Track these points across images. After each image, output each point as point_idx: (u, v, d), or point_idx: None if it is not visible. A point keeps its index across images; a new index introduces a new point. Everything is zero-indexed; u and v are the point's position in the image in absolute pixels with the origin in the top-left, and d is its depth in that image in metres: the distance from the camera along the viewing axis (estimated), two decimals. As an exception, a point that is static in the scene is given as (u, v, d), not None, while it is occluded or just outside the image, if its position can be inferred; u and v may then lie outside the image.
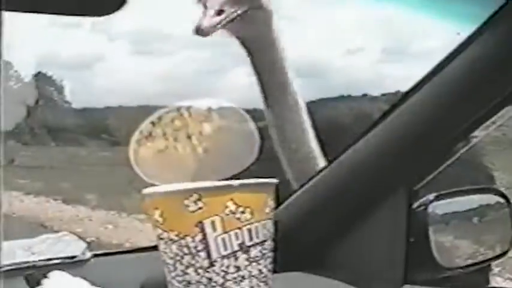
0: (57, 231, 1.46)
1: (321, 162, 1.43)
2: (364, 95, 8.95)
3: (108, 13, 0.47)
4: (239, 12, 1.27)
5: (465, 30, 1.09)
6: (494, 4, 1.02)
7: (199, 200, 0.98)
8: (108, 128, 10.12)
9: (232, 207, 0.99)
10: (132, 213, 7.33)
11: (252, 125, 1.19)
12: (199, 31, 1.22)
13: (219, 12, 1.24)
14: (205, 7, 1.25)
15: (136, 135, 1.18)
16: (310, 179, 1.26)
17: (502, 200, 1.34)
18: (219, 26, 1.24)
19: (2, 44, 0.49)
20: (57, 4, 0.43)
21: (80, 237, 1.39)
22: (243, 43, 1.36)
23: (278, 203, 1.16)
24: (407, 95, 1.13)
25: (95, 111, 11.05)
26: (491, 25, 1.04)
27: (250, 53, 1.36)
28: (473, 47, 1.06)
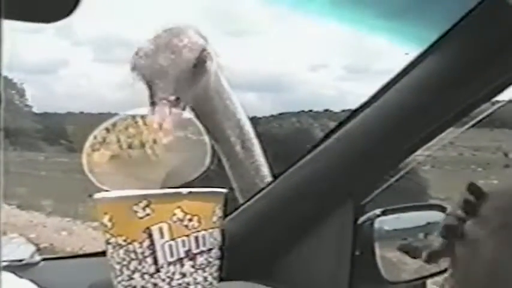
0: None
1: (268, 177, 1.44)
2: (326, 111, 9.02)
3: (57, 19, 0.48)
4: (193, 92, 1.26)
5: (414, 51, 1.12)
6: (441, 28, 1.06)
7: (147, 206, 1.00)
8: (68, 134, 10.01)
9: (180, 214, 1.00)
10: (86, 221, 7.25)
11: (205, 135, 1.20)
12: (163, 132, 1.17)
13: (177, 99, 1.21)
14: (154, 102, 1.21)
15: (90, 141, 1.18)
16: (259, 191, 1.28)
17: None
18: (179, 115, 1.21)
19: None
20: (6, 10, 0.44)
21: (33, 243, 1.39)
22: (193, 110, 1.34)
23: (226, 213, 1.18)
24: (355, 112, 1.16)
25: (56, 116, 10.92)
26: (438, 47, 1.08)
27: (199, 117, 1.34)
28: (420, 67, 1.10)
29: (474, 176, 9.66)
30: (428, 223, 1.39)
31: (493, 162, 10.16)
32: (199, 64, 1.27)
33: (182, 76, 1.23)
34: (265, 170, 1.43)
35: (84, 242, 6.70)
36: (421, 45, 1.12)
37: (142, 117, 1.19)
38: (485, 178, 9.68)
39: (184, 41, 1.26)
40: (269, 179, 1.42)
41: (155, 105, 1.20)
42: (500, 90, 1.10)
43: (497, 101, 1.22)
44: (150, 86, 1.24)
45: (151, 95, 1.22)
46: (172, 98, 1.20)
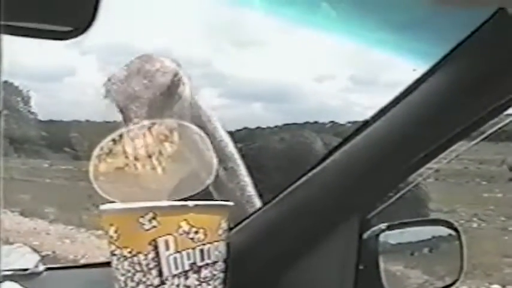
0: (12, 244, 1.46)
1: (255, 196, 1.44)
2: (331, 122, 9.02)
3: (76, 35, 0.49)
4: (167, 116, 1.25)
5: (422, 67, 1.12)
6: (449, 44, 1.06)
7: (154, 218, 1.00)
8: (72, 142, 10.01)
9: (186, 227, 1.01)
10: (90, 229, 7.26)
11: (211, 148, 1.20)
12: (138, 157, 1.17)
13: (152, 125, 1.20)
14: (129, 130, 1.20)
15: (97, 151, 1.19)
16: (265, 204, 1.28)
17: (453, 232, 1.37)
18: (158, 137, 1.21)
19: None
20: (25, 29, 0.45)
21: (36, 251, 1.39)
22: None
23: (232, 226, 1.18)
24: (361, 126, 1.16)
25: (61, 123, 10.93)
26: (447, 62, 1.08)
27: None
28: (428, 82, 1.10)
29: (478, 189, 9.65)
30: (433, 237, 1.39)
31: (497, 175, 10.14)
32: (172, 88, 1.28)
33: (155, 100, 1.24)
34: (251, 190, 1.43)
35: (87, 250, 6.71)
36: (428, 60, 1.12)
37: (149, 128, 1.19)
38: (490, 191, 9.68)
39: (156, 66, 1.27)
40: (256, 198, 1.42)
41: (130, 132, 1.20)
42: (510, 105, 1.10)
43: (508, 115, 1.22)
44: (123, 112, 1.25)
45: (125, 120, 1.23)
46: (147, 122, 1.21)
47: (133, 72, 1.26)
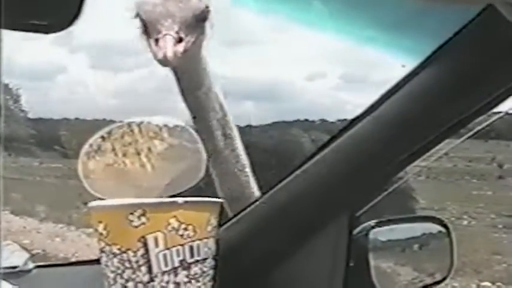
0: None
1: (247, 167, 1.45)
2: (322, 120, 9.02)
3: (60, 29, 0.49)
4: (193, 40, 1.26)
5: (410, 63, 1.13)
6: (437, 41, 1.06)
7: (143, 215, 1.00)
8: (62, 140, 9.98)
9: (175, 224, 1.00)
10: (80, 227, 7.24)
11: (200, 145, 1.20)
12: (167, 61, 1.18)
13: (179, 39, 1.22)
14: (156, 39, 1.22)
15: (85, 148, 1.18)
16: (254, 202, 1.28)
17: (443, 229, 1.38)
18: (182, 54, 1.22)
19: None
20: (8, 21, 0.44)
21: (26, 249, 1.38)
22: (178, 75, 1.36)
23: (221, 222, 1.18)
24: (350, 123, 1.16)
25: (50, 122, 10.89)
26: (435, 59, 1.08)
27: (177, 76, 1.36)
28: (417, 80, 1.10)
29: (468, 187, 9.69)
30: (424, 234, 1.40)
31: (487, 173, 10.18)
32: (204, 14, 1.30)
33: (187, 20, 1.25)
34: (245, 161, 1.44)
35: (78, 248, 6.69)
36: (418, 58, 1.12)
37: (138, 125, 1.19)
38: (479, 189, 9.71)
39: None
40: (248, 169, 1.44)
41: (158, 41, 1.21)
42: (497, 103, 1.10)
43: (496, 112, 1.22)
44: (154, 26, 1.25)
45: (155, 33, 1.24)
46: (176, 35, 1.22)
47: None
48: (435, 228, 1.39)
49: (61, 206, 8.11)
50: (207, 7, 1.30)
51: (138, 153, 1.18)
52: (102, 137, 1.18)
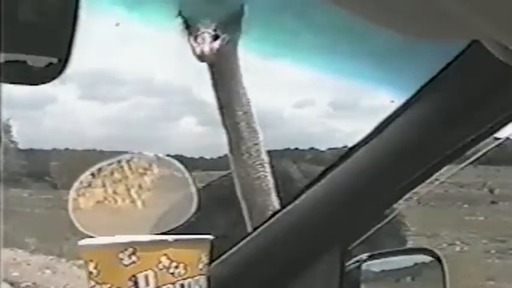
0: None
1: (266, 163, 1.47)
2: (312, 149, 9.05)
3: (44, 82, 0.49)
4: (229, 38, 1.31)
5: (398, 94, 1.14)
6: (426, 77, 1.07)
7: (133, 254, 0.99)
8: (53, 170, 9.96)
9: (166, 262, 1.00)
10: (71, 259, 7.18)
11: (190, 181, 1.20)
12: (204, 57, 1.27)
13: (215, 37, 1.28)
14: (196, 36, 1.28)
15: (76, 185, 1.18)
16: (246, 236, 1.27)
17: (435, 260, 1.38)
18: (218, 51, 1.28)
19: None
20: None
21: (16, 282, 1.37)
22: (213, 69, 1.40)
23: (212, 258, 1.17)
24: (342, 157, 1.16)
25: (41, 152, 10.88)
26: (427, 91, 1.09)
27: (212, 70, 1.41)
28: (409, 112, 1.10)
29: (460, 213, 9.71)
30: (416, 264, 1.39)
31: (478, 198, 10.21)
32: (237, 15, 1.34)
33: (224, 19, 1.31)
34: (264, 156, 1.45)
35: (68, 280, 6.63)
36: (405, 91, 1.13)
37: (128, 161, 1.19)
38: (471, 215, 9.73)
39: None
40: (267, 166, 1.44)
41: (197, 38, 1.27)
42: (493, 131, 1.11)
43: (496, 138, 1.24)
44: (194, 24, 1.30)
45: (194, 30, 1.29)
46: (213, 33, 1.28)
47: None
48: (427, 259, 1.39)
49: (51, 238, 8.06)
50: (242, 6, 1.34)
51: (129, 190, 1.17)
52: (92, 174, 1.17)
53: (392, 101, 1.15)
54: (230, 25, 1.32)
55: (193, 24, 1.30)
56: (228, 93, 1.41)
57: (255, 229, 1.28)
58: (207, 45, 1.26)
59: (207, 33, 1.28)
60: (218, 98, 1.41)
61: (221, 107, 1.41)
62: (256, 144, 1.44)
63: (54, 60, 0.49)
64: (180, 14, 1.33)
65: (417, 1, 0.52)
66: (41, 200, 10.03)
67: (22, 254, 7.84)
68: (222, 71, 1.39)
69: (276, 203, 1.41)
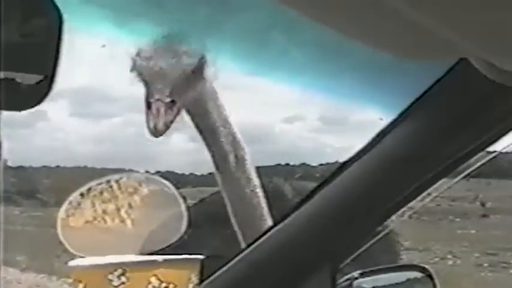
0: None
1: (258, 187, 1.45)
2: (303, 164, 9.03)
3: (27, 108, 0.49)
4: (189, 97, 1.28)
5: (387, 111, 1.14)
6: (414, 94, 1.08)
7: (123, 274, 0.98)
8: (43, 188, 9.92)
9: (156, 282, 0.99)
10: (62, 277, 7.13)
11: (180, 200, 1.20)
12: (156, 132, 1.20)
13: (172, 102, 1.23)
14: (149, 103, 1.23)
15: (65, 206, 1.17)
16: (236, 255, 1.26)
17: (426, 277, 1.38)
18: (174, 119, 1.24)
19: None
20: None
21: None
22: (188, 111, 1.37)
23: (203, 277, 1.17)
24: (333, 174, 1.16)
25: (31, 170, 10.84)
26: (413, 111, 1.09)
27: (193, 118, 1.38)
28: (397, 131, 1.11)
29: (452, 226, 9.70)
30: (408, 280, 1.39)
31: (470, 212, 10.22)
32: (197, 70, 1.30)
33: (180, 80, 1.26)
34: (255, 181, 1.44)
35: (60, 299, 6.58)
36: (394, 109, 1.13)
37: (117, 181, 1.18)
38: (463, 228, 9.73)
39: (183, 48, 1.29)
40: (259, 190, 1.43)
41: (150, 106, 1.22)
42: (486, 145, 1.12)
43: (490, 152, 1.24)
44: (147, 87, 1.25)
45: (148, 96, 1.24)
46: (168, 100, 1.22)
47: (159, 51, 1.28)
48: (419, 275, 1.39)
49: (42, 255, 8.01)
50: (202, 57, 1.31)
51: (118, 209, 1.17)
52: (82, 194, 1.17)
53: (381, 119, 1.15)
54: (190, 80, 1.29)
55: (147, 86, 1.26)
56: (203, 118, 1.39)
57: (244, 249, 1.27)
58: (161, 119, 1.20)
59: (160, 102, 1.22)
60: (196, 125, 1.38)
61: (200, 132, 1.38)
62: (245, 171, 1.43)
63: (40, 77, 0.49)
64: (133, 69, 1.30)
65: (398, 21, 0.52)
66: (32, 217, 9.97)
67: (13, 272, 7.78)
68: (194, 106, 1.36)
69: (267, 218, 1.41)
